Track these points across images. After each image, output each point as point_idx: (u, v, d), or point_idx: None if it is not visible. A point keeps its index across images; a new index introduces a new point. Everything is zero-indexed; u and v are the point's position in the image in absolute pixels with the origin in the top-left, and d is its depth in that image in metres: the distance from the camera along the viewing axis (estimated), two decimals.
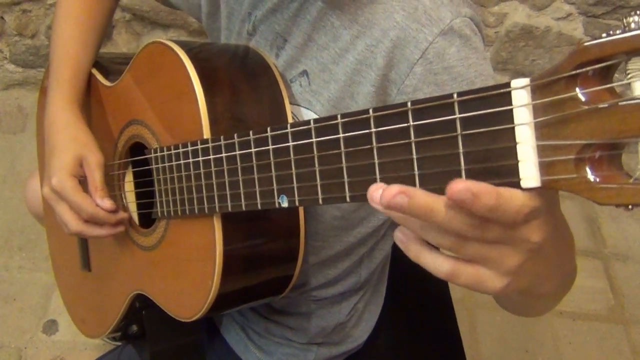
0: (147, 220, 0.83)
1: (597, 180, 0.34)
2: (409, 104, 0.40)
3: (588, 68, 0.33)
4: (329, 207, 0.77)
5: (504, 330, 1.70)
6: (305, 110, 0.74)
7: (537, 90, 0.35)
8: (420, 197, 0.37)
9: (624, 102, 0.32)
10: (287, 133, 0.51)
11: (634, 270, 1.86)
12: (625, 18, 0.32)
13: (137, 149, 0.84)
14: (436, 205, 0.37)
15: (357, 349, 1.00)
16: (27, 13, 2.06)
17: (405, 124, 0.41)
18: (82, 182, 0.83)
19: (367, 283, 0.95)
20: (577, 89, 0.34)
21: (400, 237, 0.42)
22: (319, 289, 0.89)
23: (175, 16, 2.04)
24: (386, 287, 1.03)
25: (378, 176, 0.44)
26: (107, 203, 0.80)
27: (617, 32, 0.32)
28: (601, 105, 0.33)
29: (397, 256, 1.01)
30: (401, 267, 1.05)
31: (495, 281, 0.40)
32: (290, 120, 0.73)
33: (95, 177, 0.81)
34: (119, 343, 1.24)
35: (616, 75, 0.35)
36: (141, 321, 0.92)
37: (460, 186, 0.35)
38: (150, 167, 0.77)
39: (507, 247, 0.39)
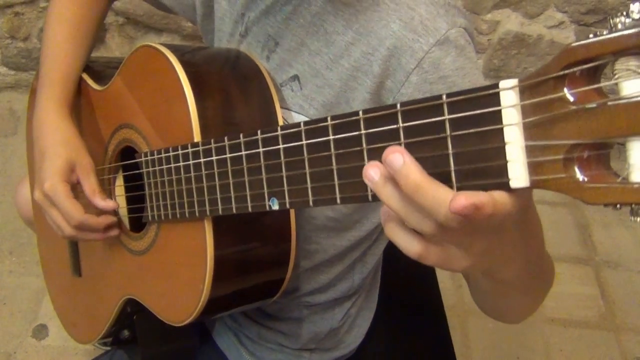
0: (138, 224, 0.83)
1: (586, 180, 0.34)
2: (398, 105, 0.40)
3: (575, 69, 0.34)
4: (323, 208, 0.76)
5: (496, 337, 1.70)
6: (297, 114, 0.74)
7: (525, 91, 0.36)
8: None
9: (612, 102, 0.32)
10: (277, 136, 0.51)
11: (625, 277, 1.87)
12: (612, 19, 0.32)
13: (128, 153, 0.83)
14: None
15: (349, 354, 1.00)
16: (19, 16, 2.06)
17: (395, 126, 0.41)
18: (74, 187, 0.83)
19: (360, 288, 0.95)
20: (565, 89, 0.34)
21: (383, 211, 0.44)
22: (311, 295, 0.89)
23: (168, 20, 2.04)
24: (378, 293, 1.03)
25: None
26: (111, 203, 0.81)
27: (604, 32, 0.32)
28: (589, 105, 0.33)
29: (389, 262, 1.01)
30: (393, 273, 1.06)
31: (462, 261, 0.43)
32: (281, 124, 0.73)
33: (92, 181, 0.82)
34: (109, 348, 1.23)
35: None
36: (133, 326, 0.92)
37: (464, 202, 0.36)
38: (141, 171, 0.77)
39: (479, 233, 0.41)
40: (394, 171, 0.38)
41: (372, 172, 0.41)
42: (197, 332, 0.99)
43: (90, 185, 0.81)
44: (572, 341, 1.71)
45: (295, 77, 0.74)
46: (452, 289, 1.78)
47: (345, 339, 0.97)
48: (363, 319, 0.99)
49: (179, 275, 0.74)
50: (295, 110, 0.74)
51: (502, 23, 1.99)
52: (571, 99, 0.34)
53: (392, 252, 0.95)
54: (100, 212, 0.82)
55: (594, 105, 0.33)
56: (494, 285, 0.56)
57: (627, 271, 1.88)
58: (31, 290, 1.71)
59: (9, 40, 2.11)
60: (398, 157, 0.38)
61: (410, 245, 0.42)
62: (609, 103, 0.32)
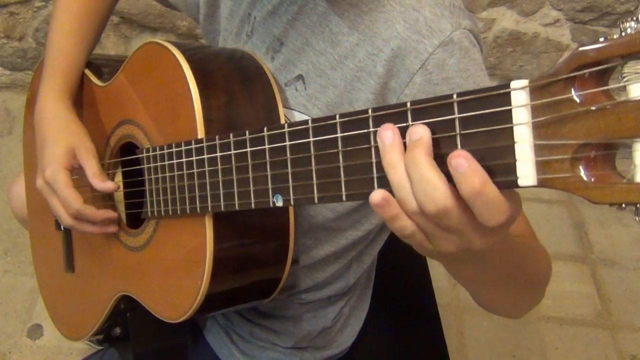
0: (136, 221, 0.83)
1: (592, 180, 0.35)
2: (408, 103, 0.41)
3: (585, 71, 0.34)
4: (323, 209, 0.77)
5: (492, 335, 1.71)
6: (300, 114, 0.75)
7: (535, 91, 0.36)
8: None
9: (621, 104, 0.33)
10: (284, 133, 0.51)
11: (621, 275, 1.87)
12: (622, 23, 0.33)
13: (128, 149, 0.83)
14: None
15: (341, 354, 1.00)
16: (14, 15, 2.05)
17: (404, 124, 0.41)
18: (75, 172, 0.83)
19: (354, 288, 0.95)
20: (573, 91, 0.35)
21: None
22: (307, 292, 0.89)
23: (163, 19, 2.03)
24: (371, 293, 1.03)
25: (375, 175, 0.44)
26: (110, 184, 0.81)
27: (614, 36, 0.33)
28: (595, 107, 0.34)
29: (382, 262, 1.02)
30: (386, 273, 1.06)
31: (432, 249, 0.46)
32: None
33: (92, 163, 0.82)
34: (100, 347, 1.22)
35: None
36: (125, 323, 0.91)
37: (462, 154, 0.38)
38: (141, 166, 0.77)
39: (454, 235, 0.43)
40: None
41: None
42: (188, 330, 0.99)
43: (90, 167, 0.81)
44: (568, 339, 1.72)
45: (300, 77, 0.74)
46: (447, 287, 1.78)
47: (337, 338, 0.97)
48: (356, 318, 1.00)
49: (176, 271, 0.74)
50: (298, 110, 0.75)
51: (498, 21, 1.99)
52: (578, 100, 0.35)
53: (385, 252, 0.96)
54: (100, 206, 0.82)
55: (600, 106, 0.34)
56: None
57: (623, 269, 1.89)
58: (26, 290, 1.70)
59: (4, 40, 2.10)
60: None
61: (404, 225, 0.44)
62: (618, 102, 0.33)
